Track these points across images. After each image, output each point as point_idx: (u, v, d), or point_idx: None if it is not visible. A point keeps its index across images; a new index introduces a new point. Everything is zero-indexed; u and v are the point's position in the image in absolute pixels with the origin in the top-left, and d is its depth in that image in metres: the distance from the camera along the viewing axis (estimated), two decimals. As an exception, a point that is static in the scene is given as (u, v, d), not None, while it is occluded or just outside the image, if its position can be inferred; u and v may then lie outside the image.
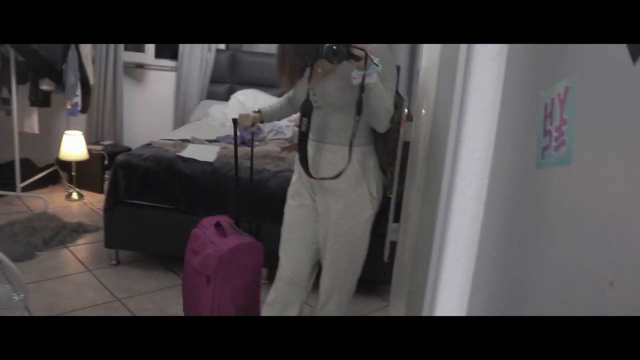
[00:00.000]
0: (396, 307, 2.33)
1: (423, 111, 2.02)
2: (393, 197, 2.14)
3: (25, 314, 1.34)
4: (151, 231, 3.20)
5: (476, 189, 1.08)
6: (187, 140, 3.55)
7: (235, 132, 2.48)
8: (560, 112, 0.84)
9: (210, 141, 3.59)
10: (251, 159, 2.61)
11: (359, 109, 1.86)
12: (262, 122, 2.34)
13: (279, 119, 2.43)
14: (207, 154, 3.21)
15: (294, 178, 2.24)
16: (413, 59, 4.76)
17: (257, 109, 2.32)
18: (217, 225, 2.51)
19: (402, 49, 4.72)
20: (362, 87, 1.79)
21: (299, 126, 1.95)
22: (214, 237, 2.40)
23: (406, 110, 2.05)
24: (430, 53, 2.05)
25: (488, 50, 1.03)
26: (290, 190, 2.25)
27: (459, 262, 1.13)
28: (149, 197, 3.15)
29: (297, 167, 2.19)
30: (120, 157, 3.20)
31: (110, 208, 3.17)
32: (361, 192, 2.07)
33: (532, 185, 0.93)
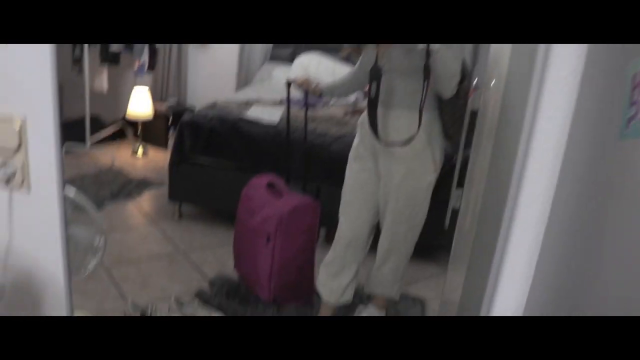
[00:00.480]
0: (455, 274, 2.34)
1: (493, 80, 1.99)
2: (457, 164, 2.14)
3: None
4: (213, 188, 3.29)
5: (552, 157, 1.07)
6: (252, 102, 3.60)
7: (288, 95, 2.52)
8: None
9: (274, 103, 3.63)
10: (305, 121, 2.70)
11: (427, 73, 1.83)
12: (320, 95, 2.40)
13: (338, 96, 2.48)
14: (270, 115, 3.26)
15: (356, 141, 2.26)
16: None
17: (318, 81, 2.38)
18: (269, 185, 2.55)
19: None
20: (427, 51, 1.78)
21: (368, 91, 1.95)
22: (269, 197, 2.45)
23: (476, 80, 2.02)
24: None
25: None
26: (352, 154, 2.27)
27: (528, 231, 1.13)
28: (213, 156, 3.23)
29: (360, 131, 2.21)
30: (186, 117, 3.29)
31: (175, 164, 3.27)
32: (425, 158, 2.09)
33: (613, 156, 0.92)
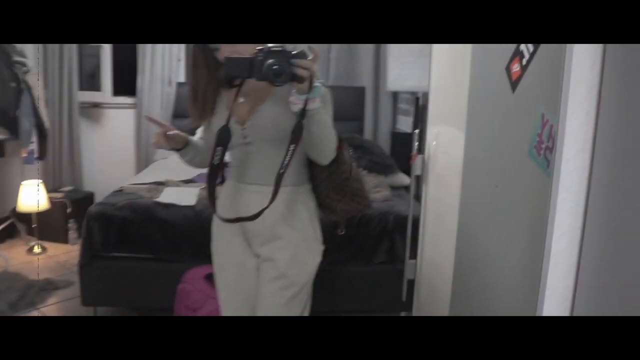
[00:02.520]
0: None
1: (434, 142, 1.92)
2: (408, 231, 2.03)
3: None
4: (132, 284, 2.98)
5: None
6: (162, 183, 3.35)
7: None
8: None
9: (186, 181, 3.40)
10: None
11: (296, 135, 1.52)
12: (180, 149, 1.75)
13: (196, 165, 1.87)
14: (186, 196, 3.03)
15: (216, 228, 1.89)
16: (377, 79, 4.68)
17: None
18: (208, 277, 2.35)
19: (366, 68, 4.64)
20: (302, 112, 1.49)
21: (211, 156, 1.62)
22: (211, 292, 2.22)
23: (416, 143, 1.95)
24: (440, 73, 1.95)
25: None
26: (217, 245, 1.89)
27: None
28: (129, 248, 2.94)
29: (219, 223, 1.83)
30: (93, 209, 2.98)
31: (86, 263, 2.94)
32: (309, 238, 1.76)
33: None
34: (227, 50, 1.56)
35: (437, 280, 1.85)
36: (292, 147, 1.53)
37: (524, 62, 1.37)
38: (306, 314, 1.80)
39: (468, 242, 1.59)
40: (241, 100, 1.66)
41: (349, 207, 1.79)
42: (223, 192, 1.81)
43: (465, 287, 1.64)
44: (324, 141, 1.60)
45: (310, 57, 1.44)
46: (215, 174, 1.64)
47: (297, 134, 1.52)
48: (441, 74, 2.03)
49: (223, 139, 1.60)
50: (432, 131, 1.95)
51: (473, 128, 1.63)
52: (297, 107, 1.49)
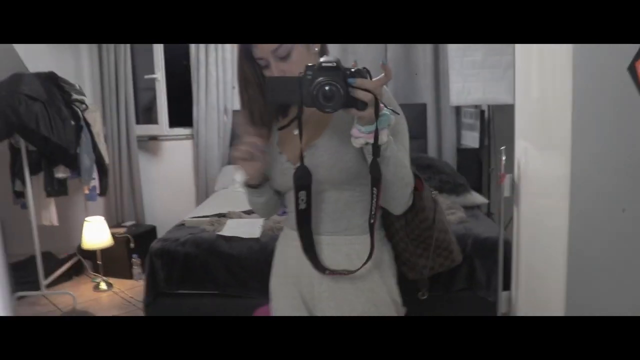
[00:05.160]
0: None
1: (523, 159, 1.72)
2: (499, 269, 1.82)
3: None
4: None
5: None
6: (224, 215, 3.25)
7: None
8: None
9: (248, 212, 3.28)
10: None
11: (376, 178, 1.23)
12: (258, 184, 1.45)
13: (266, 211, 1.57)
14: (250, 228, 2.91)
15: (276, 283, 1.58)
16: (438, 95, 4.48)
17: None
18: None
19: (426, 84, 4.45)
20: (375, 147, 1.18)
21: (296, 203, 1.31)
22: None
23: (503, 159, 1.74)
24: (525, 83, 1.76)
25: None
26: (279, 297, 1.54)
27: None
28: (193, 284, 2.84)
29: (278, 274, 1.57)
30: (155, 245, 2.90)
31: (151, 302, 2.85)
32: (381, 301, 1.40)
33: None
34: (276, 69, 1.29)
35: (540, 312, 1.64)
36: (374, 190, 1.24)
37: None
38: None
39: (582, 277, 1.38)
40: (295, 133, 1.29)
41: (433, 263, 1.48)
42: (281, 246, 1.56)
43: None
44: (396, 184, 1.28)
45: (379, 76, 1.14)
46: (307, 221, 1.32)
47: (376, 174, 1.22)
48: (526, 83, 1.83)
49: (302, 180, 1.29)
50: (520, 145, 1.75)
51: (581, 141, 1.40)
52: (359, 141, 1.19)
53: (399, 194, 1.29)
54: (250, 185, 1.43)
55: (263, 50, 1.28)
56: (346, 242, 1.36)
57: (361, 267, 1.31)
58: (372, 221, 1.27)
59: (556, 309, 1.45)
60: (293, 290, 1.45)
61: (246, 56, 1.32)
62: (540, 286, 1.62)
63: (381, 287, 1.39)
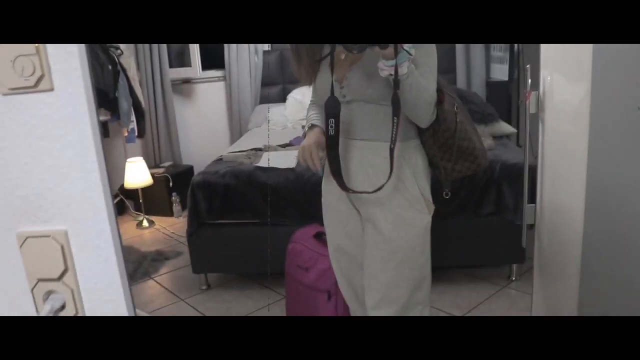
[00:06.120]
0: (541, 289, 2.10)
1: (548, 78, 1.78)
2: (525, 179, 1.91)
3: None
4: (239, 250, 3.04)
5: None
6: (260, 149, 3.38)
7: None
8: None
9: (283, 146, 3.40)
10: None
11: (396, 107, 1.45)
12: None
13: None
14: (286, 160, 3.03)
15: (325, 186, 1.84)
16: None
17: (309, 125, 1.79)
18: (317, 235, 2.35)
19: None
20: (395, 81, 1.42)
21: (326, 129, 1.55)
22: (321, 249, 2.22)
23: (529, 80, 1.81)
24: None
25: None
26: (325, 201, 1.84)
27: None
28: (233, 214, 2.99)
29: (326, 176, 1.80)
30: (197, 178, 3.04)
31: (194, 232, 3.02)
32: (413, 199, 1.64)
33: None
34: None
35: (562, 226, 1.73)
36: (395, 119, 1.45)
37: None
38: (425, 278, 1.71)
39: (602, 181, 1.46)
40: (342, 56, 1.60)
41: (459, 167, 1.68)
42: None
43: (598, 236, 1.52)
44: (418, 105, 1.50)
45: None
46: (335, 145, 1.54)
47: (396, 104, 1.44)
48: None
49: (332, 109, 1.52)
50: (544, 73, 1.80)
51: (602, 70, 1.46)
52: (384, 72, 1.42)
53: (422, 112, 1.52)
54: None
55: None
56: (385, 147, 1.53)
57: (382, 186, 1.54)
58: (392, 146, 1.48)
59: (574, 217, 1.54)
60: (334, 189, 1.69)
61: None
62: (561, 196, 1.71)
63: (413, 185, 1.64)
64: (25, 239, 0.89)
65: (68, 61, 0.79)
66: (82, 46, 0.80)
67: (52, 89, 0.80)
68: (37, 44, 0.78)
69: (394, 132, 1.47)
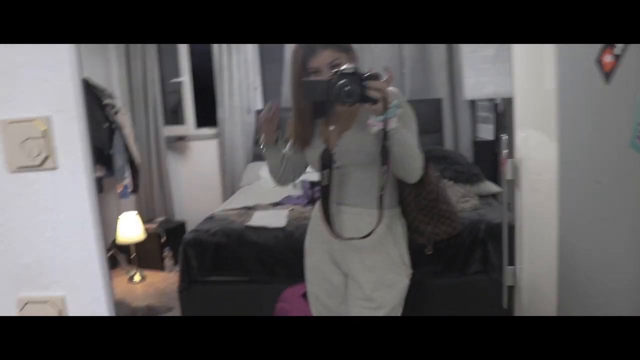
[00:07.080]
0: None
1: (524, 147, 1.88)
2: (504, 241, 1.99)
3: None
4: (230, 307, 3.07)
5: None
6: (251, 208, 3.45)
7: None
8: None
9: (274, 204, 3.48)
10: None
11: (385, 157, 1.53)
12: (276, 141, 1.83)
13: (282, 176, 1.91)
14: (276, 219, 3.10)
15: (308, 246, 1.94)
16: (453, 90, 4.62)
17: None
18: (305, 295, 2.39)
19: (441, 79, 4.60)
20: (384, 134, 1.51)
21: (320, 181, 1.69)
22: (308, 309, 2.26)
23: (506, 150, 1.91)
24: (522, 76, 1.92)
25: None
26: (308, 262, 1.94)
27: None
28: (224, 272, 3.05)
29: (312, 228, 1.90)
30: (188, 236, 3.11)
31: (185, 289, 3.05)
32: (392, 262, 1.76)
33: None
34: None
35: (540, 287, 1.80)
36: (384, 168, 1.55)
37: (617, 51, 1.33)
38: None
39: (572, 245, 1.54)
40: (331, 128, 1.73)
41: (438, 230, 1.78)
42: (315, 213, 1.87)
43: (572, 294, 1.59)
44: (407, 159, 1.61)
45: (384, 79, 1.49)
46: (327, 195, 1.68)
47: (385, 156, 1.54)
48: (524, 77, 1.99)
49: (326, 161, 1.67)
50: (519, 136, 1.91)
51: (566, 127, 1.59)
52: (374, 129, 1.52)
53: (409, 165, 1.63)
54: (268, 146, 1.81)
55: (321, 63, 1.61)
56: (369, 213, 1.66)
57: (371, 232, 1.63)
58: (381, 193, 1.59)
59: (550, 279, 1.61)
60: (323, 248, 1.82)
61: (302, 68, 1.63)
62: (538, 258, 1.79)
63: (394, 250, 1.75)
64: (25, 304, 0.95)
65: (71, 144, 0.87)
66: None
67: (55, 168, 0.88)
68: (43, 128, 0.86)
69: (382, 181, 1.57)
